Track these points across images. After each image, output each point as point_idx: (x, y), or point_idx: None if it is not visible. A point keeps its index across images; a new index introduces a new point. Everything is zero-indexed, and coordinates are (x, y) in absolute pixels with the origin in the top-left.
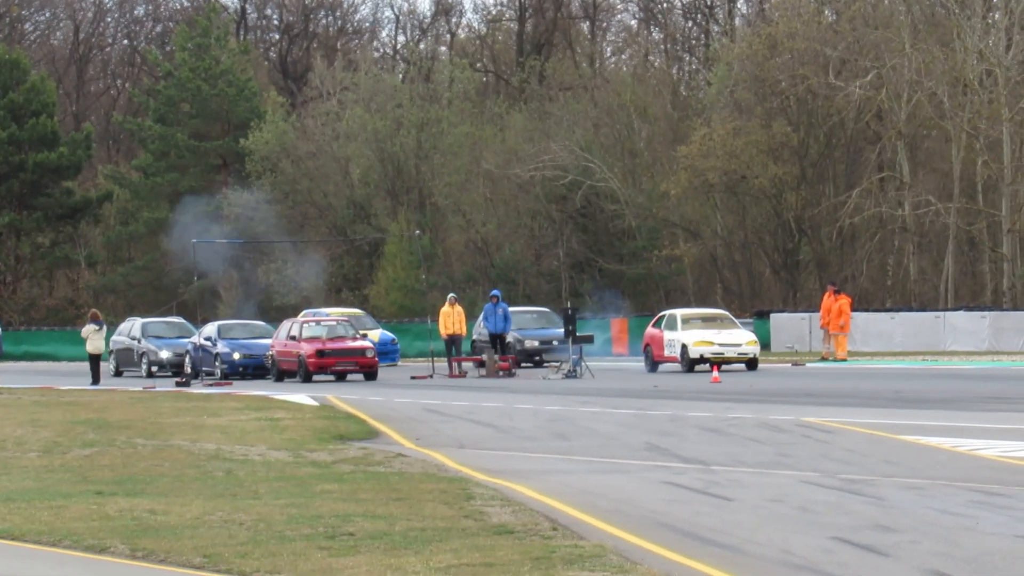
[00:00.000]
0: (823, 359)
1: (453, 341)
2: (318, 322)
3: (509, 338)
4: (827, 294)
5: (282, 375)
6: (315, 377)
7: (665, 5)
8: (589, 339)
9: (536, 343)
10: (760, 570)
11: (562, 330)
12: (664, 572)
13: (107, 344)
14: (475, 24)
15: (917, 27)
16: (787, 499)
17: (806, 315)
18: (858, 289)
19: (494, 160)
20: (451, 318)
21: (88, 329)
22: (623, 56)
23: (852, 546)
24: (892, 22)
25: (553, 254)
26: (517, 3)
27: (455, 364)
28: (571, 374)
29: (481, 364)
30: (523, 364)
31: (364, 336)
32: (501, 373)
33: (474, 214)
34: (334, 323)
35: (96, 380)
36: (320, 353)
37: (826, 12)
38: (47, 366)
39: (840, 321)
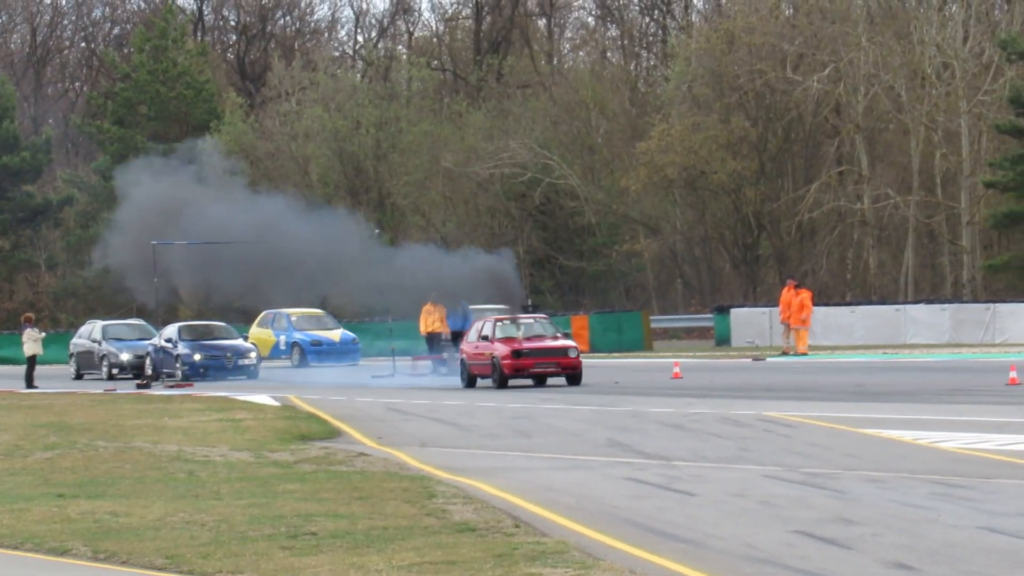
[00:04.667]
0: (784, 353)
1: (433, 339)
2: (513, 320)
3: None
4: (786, 289)
5: (473, 379)
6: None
7: (622, 2)
8: None
9: None
10: (723, 564)
11: None
12: (626, 568)
13: (67, 347)
14: (432, 23)
15: (874, 20)
16: (749, 493)
17: (766, 310)
18: (818, 283)
19: (453, 158)
20: (432, 316)
21: (31, 333)
22: (581, 53)
23: (815, 539)
24: (849, 16)
25: (513, 252)
26: (474, 1)
27: (431, 362)
28: None
29: (442, 362)
30: None
31: (566, 335)
32: None
33: (433, 213)
34: (531, 321)
35: (30, 383)
36: (517, 354)
37: (783, 6)
38: (7, 370)
39: (802, 315)
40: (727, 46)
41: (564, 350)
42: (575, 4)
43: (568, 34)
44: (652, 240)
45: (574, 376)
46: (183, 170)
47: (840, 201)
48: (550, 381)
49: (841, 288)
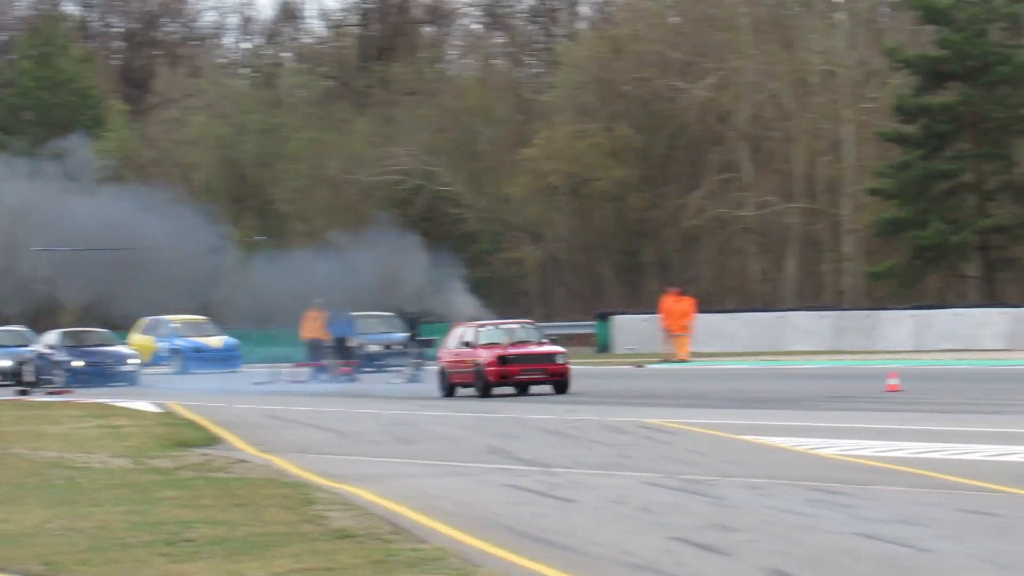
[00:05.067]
0: (665, 360)
1: (315, 345)
2: (497, 325)
3: (351, 342)
4: (669, 296)
5: (452, 388)
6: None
7: (508, 9)
8: (431, 343)
9: (379, 347)
10: (600, 571)
11: (405, 334)
12: (504, 574)
13: None
14: (319, 29)
15: (760, 28)
16: (628, 500)
17: (648, 317)
18: (700, 290)
19: (337, 166)
20: (316, 322)
21: None
22: (467, 60)
23: (692, 546)
24: (735, 24)
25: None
26: (360, 8)
27: (307, 369)
28: (414, 378)
29: (323, 369)
30: (365, 368)
31: (551, 340)
32: (343, 377)
33: (317, 220)
34: (515, 326)
35: None
36: (502, 360)
37: (669, 14)
38: None
39: (684, 322)
40: (613, 53)
41: (551, 356)
42: (461, 11)
43: (454, 41)
44: (535, 247)
45: (561, 384)
46: (49, 170)
47: (723, 208)
48: (533, 388)
49: (723, 295)
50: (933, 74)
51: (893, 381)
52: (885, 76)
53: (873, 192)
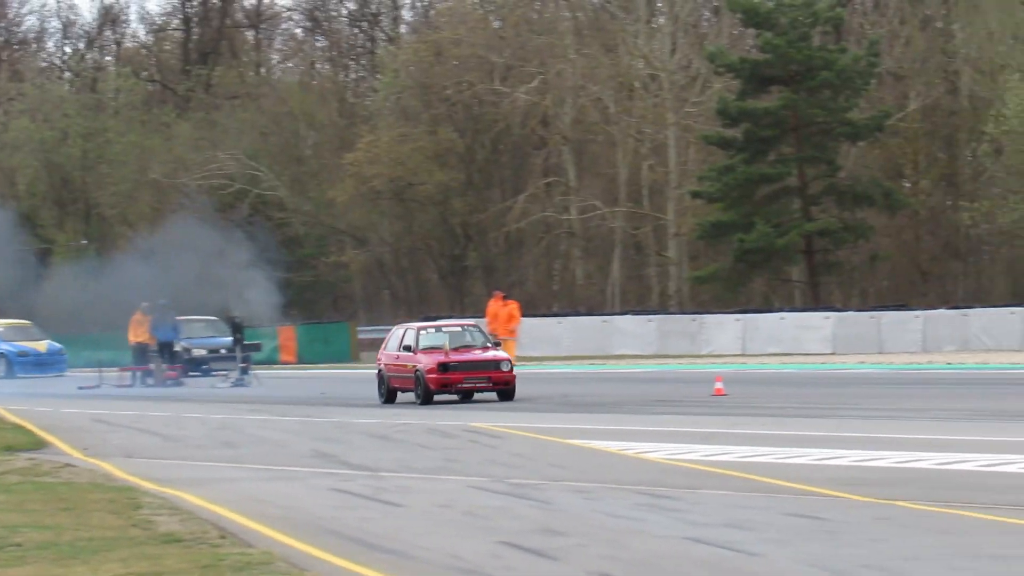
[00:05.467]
0: None
1: (141, 350)
2: (438, 328)
3: (177, 347)
4: (494, 299)
5: (393, 394)
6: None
7: (331, 13)
8: (257, 347)
9: (204, 351)
10: (427, 575)
11: (230, 338)
12: None
13: None
14: (141, 33)
15: (582, 32)
16: (455, 504)
17: (474, 321)
18: (525, 294)
19: (161, 169)
20: (142, 326)
21: None
22: (289, 64)
23: (519, 550)
24: (556, 28)
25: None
26: (182, 12)
27: (133, 373)
28: (239, 382)
29: (149, 373)
30: (191, 373)
31: (497, 345)
32: (169, 382)
33: (141, 224)
34: (459, 329)
35: None
36: (444, 368)
37: (491, 19)
38: None
39: (511, 326)
40: (435, 58)
41: (496, 363)
42: (284, 15)
43: (277, 45)
44: (359, 251)
45: (506, 392)
46: None
47: (547, 212)
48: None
49: (548, 299)
50: (756, 78)
51: (719, 385)
52: (708, 80)
53: (696, 196)
